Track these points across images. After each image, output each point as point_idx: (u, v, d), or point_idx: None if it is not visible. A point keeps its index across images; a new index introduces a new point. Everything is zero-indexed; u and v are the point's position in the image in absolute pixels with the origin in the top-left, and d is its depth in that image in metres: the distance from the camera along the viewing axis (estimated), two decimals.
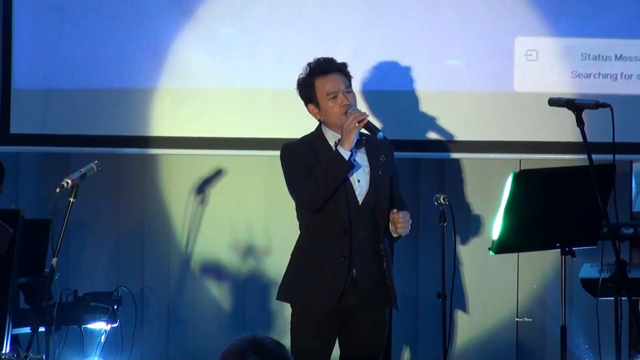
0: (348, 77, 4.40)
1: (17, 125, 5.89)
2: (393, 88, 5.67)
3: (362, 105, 5.64)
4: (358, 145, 4.36)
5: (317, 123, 4.43)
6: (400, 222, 4.30)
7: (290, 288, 4.41)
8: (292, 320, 4.43)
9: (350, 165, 4.26)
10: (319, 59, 4.40)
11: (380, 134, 4.22)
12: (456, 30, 5.72)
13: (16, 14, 5.87)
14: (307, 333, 4.34)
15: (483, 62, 5.70)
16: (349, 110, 4.28)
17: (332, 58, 4.41)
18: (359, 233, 4.33)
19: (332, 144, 4.36)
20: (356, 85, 5.56)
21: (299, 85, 4.41)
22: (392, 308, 4.45)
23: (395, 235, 4.38)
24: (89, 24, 5.84)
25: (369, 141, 4.40)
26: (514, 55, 5.70)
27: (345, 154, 4.23)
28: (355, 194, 4.33)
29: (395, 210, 4.32)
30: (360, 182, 4.35)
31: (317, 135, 4.41)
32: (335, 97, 4.32)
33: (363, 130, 4.36)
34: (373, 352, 4.41)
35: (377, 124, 5.66)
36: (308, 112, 4.42)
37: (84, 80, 5.84)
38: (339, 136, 4.33)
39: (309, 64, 4.39)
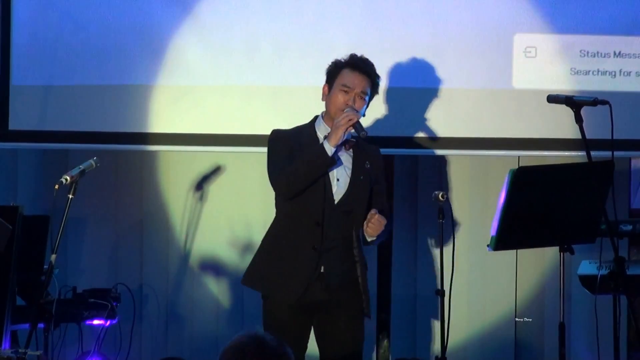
0: (373, 88, 4.44)
1: (16, 121, 5.89)
2: (391, 85, 5.67)
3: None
4: (347, 146, 4.41)
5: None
6: (372, 222, 4.30)
7: (257, 275, 4.45)
8: (263, 311, 4.46)
9: (332, 161, 4.30)
10: (362, 57, 4.47)
11: (364, 134, 4.28)
12: (454, 26, 5.72)
13: (15, 10, 5.86)
14: (278, 325, 4.34)
15: (481, 59, 5.70)
16: (345, 110, 4.32)
17: (371, 63, 4.46)
18: (332, 230, 4.36)
19: (321, 136, 4.41)
20: None
21: (330, 65, 4.49)
22: (365, 314, 4.45)
23: (367, 237, 4.39)
24: (87, 20, 5.84)
25: (359, 146, 4.43)
26: (512, 52, 5.70)
27: (330, 149, 4.27)
28: (332, 191, 4.37)
29: (374, 210, 4.33)
30: (340, 181, 4.39)
31: (308, 127, 4.47)
32: (347, 92, 4.37)
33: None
34: (351, 353, 4.42)
35: (375, 121, 5.68)
36: (320, 93, 4.48)
37: (82, 77, 5.83)
38: (330, 129, 4.39)
39: (353, 55, 4.47)
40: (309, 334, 4.43)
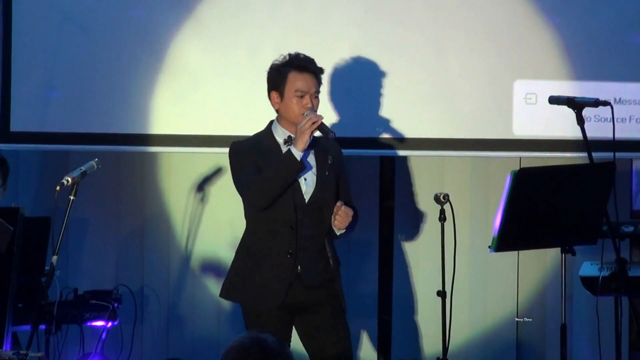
0: (319, 83, 4.44)
1: (17, 123, 5.88)
2: (392, 86, 5.66)
3: (362, 104, 5.66)
4: (308, 145, 4.40)
5: (269, 120, 4.50)
6: (339, 215, 4.33)
7: (235, 286, 4.45)
8: (244, 319, 4.47)
9: (302, 166, 4.31)
10: (299, 54, 4.46)
11: (332, 135, 4.31)
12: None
13: (16, 12, 5.86)
14: (262, 330, 4.31)
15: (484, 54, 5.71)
16: (305, 113, 4.33)
17: (313, 59, 4.46)
18: (305, 230, 4.37)
19: (280, 141, 4.41)
20: (355, 83, 5.58)
21: (272, 70, 4.46)
22: (343, 309, 4.45)
23: (335, 230, 4.40)
24: (88, 21, 5.83)
25: (317, 142, 4.43)
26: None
27: (298, 154, 4.28)
28: (302, 191, 4.38)
29: (340, 202, 4.35)
30: (307, 180, 4.40)
31: (266, 134, 4.47)
32: (302, 96, 4.38)
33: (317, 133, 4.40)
34: (340, 350, 4.42)
35: (376, 122, 5.68)
36: (269, 101, 4.47)
37: (83, 79, 5.83)
38: (289, 133, 4.41)
39: (289, 54, 4.45)
40: (291, 334, 4.44)
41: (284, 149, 4.38)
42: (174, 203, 6.30)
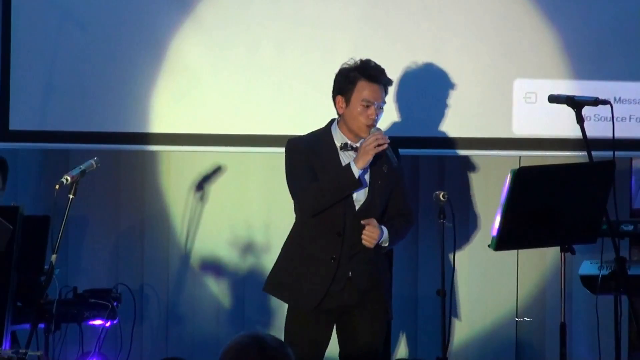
0: (386, 94, 4.40)
1: (16, 121, 5.88)
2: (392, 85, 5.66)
3: None
4: None
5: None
6: (364, 233, 4.33)
7: (278, 282, 4.46)
8: (287, 316, 4.47)
9: (360, 185, 4.28)
10: (370, 61, 4.38)
11: (395, 163, 4.30)
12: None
13: (15, 10, 5.86)
14: (300, 330, 4.36)
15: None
16: (372, 129, 4.30)
17: (384, 69, 4.39)
18: (354, 237, 4.35)
19: (338, 144, 4.38)
20: None
21: (341, 74, 4.39)
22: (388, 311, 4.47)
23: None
24: (88, 20, 5.83)
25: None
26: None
27: (357, 172, 4.25)
28: (352, 199, 4.36)
29: (366, 220, 4.33)
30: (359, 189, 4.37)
31: (324, 134, 4.42)
32: (368, 106, 4.32)
33: None
34: (372, 351, 4.42)
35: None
36: (333, 103, 4.44)
37: (83, 77, 5.83)
38: (347, 140, 4.38)
39: (360, 60, 4.38)
40: (330, 336, 4.45)
41: (341, 153, 4.36)
42: (173, 202, 6.29)
